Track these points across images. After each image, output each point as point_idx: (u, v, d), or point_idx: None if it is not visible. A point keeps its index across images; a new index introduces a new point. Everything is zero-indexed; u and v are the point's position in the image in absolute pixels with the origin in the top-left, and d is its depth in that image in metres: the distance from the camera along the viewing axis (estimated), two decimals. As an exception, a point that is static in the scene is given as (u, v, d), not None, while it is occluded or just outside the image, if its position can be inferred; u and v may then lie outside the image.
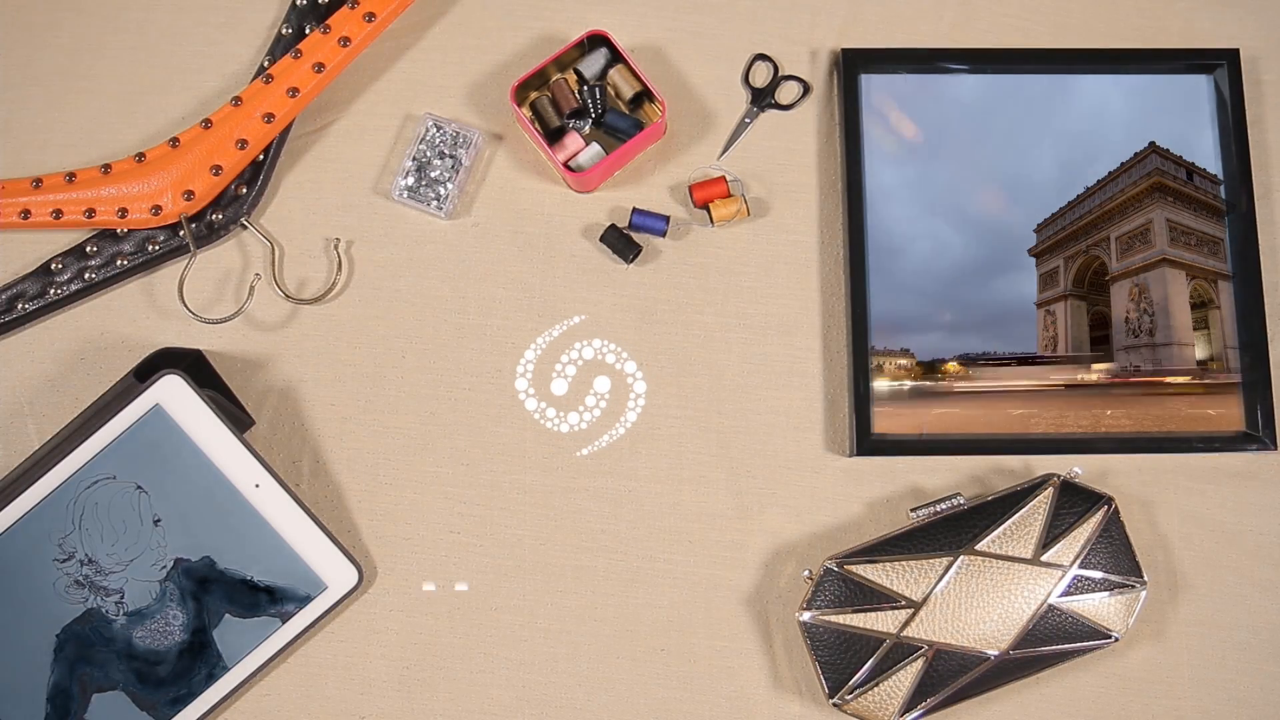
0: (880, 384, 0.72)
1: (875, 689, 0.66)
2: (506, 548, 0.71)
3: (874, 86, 0.75)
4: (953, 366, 0.72)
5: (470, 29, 0.77)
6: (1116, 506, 0.68)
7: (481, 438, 0.73)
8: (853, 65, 0.75)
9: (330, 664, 0.70)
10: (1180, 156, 0.74)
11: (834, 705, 0.67)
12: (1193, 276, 0.73)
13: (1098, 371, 0.73)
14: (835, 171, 0.76)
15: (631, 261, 0.74)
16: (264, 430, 0.72)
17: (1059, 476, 0.68)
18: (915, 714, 0.66)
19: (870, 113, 0.75)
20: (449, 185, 0.74)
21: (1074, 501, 0.68)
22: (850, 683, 0.66)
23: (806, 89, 0.76)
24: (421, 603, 0.71)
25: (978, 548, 0.67)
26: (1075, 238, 0.74)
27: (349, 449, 0.73)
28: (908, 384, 0.72)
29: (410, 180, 0.74)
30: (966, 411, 0.72)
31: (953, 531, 0.67)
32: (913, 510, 0.69)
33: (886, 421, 0.72)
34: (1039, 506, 0.67)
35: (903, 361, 0.72)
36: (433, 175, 0.74)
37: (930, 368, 0.72)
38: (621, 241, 0.73)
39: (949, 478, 0.72)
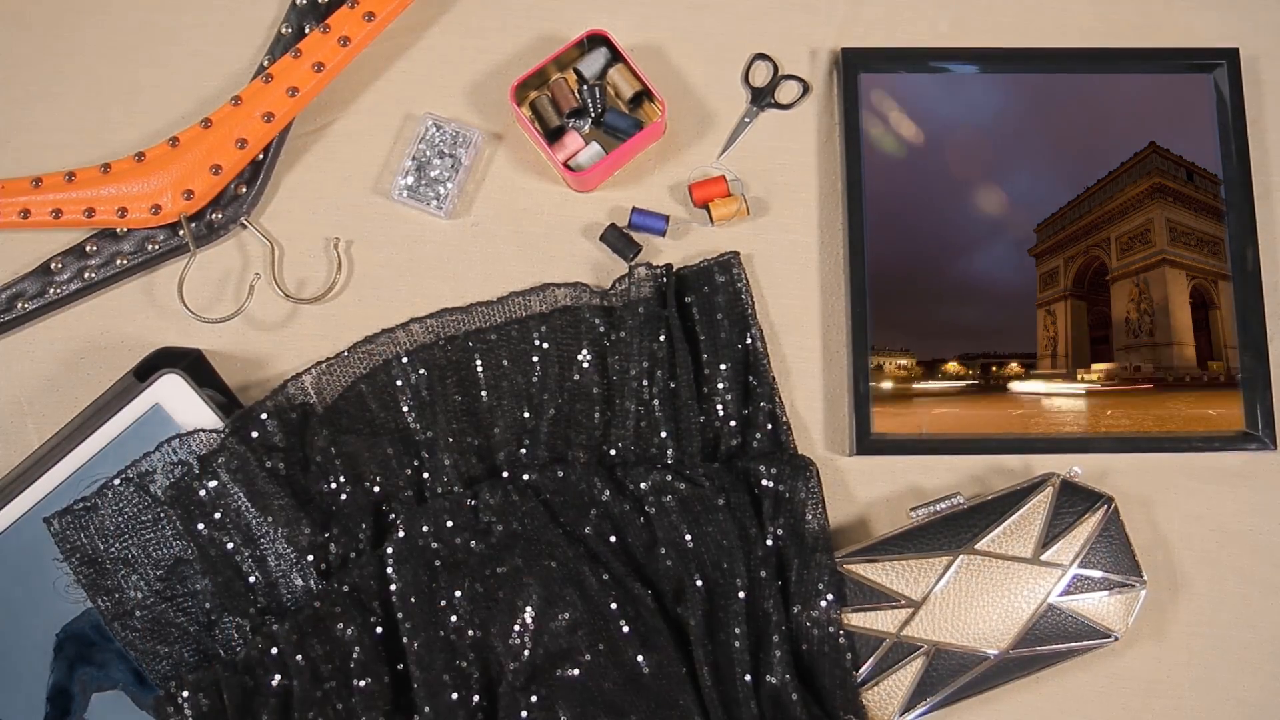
0: (880, 384, 0.72)
1: (875, 688, 0.66)
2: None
3: (874, 86, 0.75)
4: (953, 366, 0.72)
5: (470, 29, 0.77)
6: (1116, 506, 0.68)
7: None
8: (853, 65, 0.75)
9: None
10: (1180, 156, 0.74)
11: (834, 705, 0.67)
12: (1193, 276, 0.73)
13: (1098, 371, 0.73)
14: (835, 171, 0.76)
15: (631, 261, 0.74)
16: (264, 430, 0.72)
17: (1059, 476, 0.68)
18: (915, 713, 0.66)
19: (870, 113, 0.75)
20: (449, 185, 0.74)
21: (1074, 501, 0.67)
22: (850, 682, 0.66)
23: (806, 89, 0.76)
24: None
25: (977, 547, 0.67)
26: (1075, 238, 0.74)
27: (349, 449, 0.72)
28: (908, 384, 0.72)
29: (410, 180, 0.74)
30: (966, 411, 0.72)
31: (952, 531, 0.67)
32: (913, 510, 0.69)
33: (886, 421, 0.72)
34: (1039, 506, 0.67)
35: (903, 361, 0.72)
36: (432, 175, 0.74)
37: (930, 368, 0.72)
38: (621, 241, 0.73)
39: (949, 478, 0.72)
